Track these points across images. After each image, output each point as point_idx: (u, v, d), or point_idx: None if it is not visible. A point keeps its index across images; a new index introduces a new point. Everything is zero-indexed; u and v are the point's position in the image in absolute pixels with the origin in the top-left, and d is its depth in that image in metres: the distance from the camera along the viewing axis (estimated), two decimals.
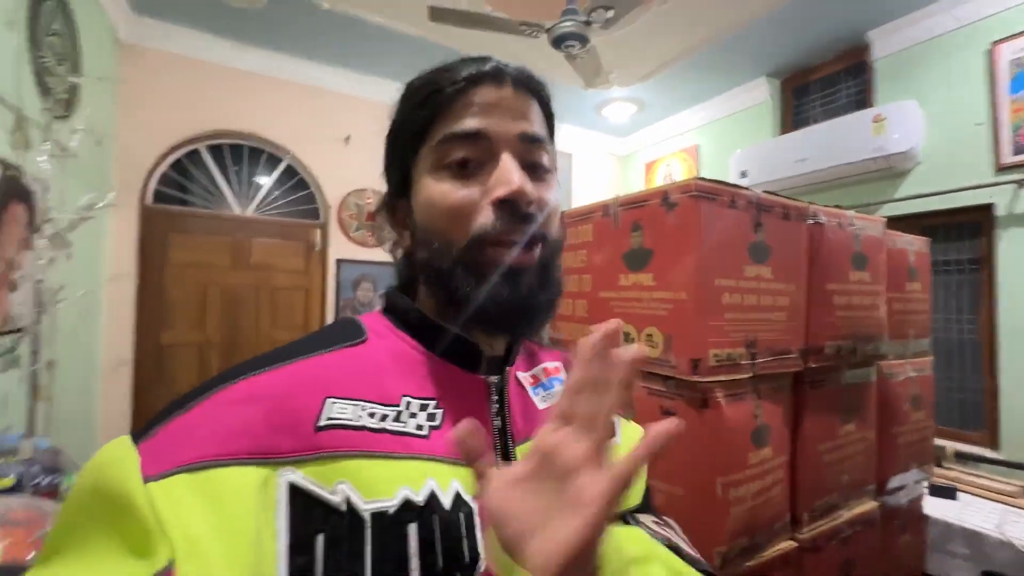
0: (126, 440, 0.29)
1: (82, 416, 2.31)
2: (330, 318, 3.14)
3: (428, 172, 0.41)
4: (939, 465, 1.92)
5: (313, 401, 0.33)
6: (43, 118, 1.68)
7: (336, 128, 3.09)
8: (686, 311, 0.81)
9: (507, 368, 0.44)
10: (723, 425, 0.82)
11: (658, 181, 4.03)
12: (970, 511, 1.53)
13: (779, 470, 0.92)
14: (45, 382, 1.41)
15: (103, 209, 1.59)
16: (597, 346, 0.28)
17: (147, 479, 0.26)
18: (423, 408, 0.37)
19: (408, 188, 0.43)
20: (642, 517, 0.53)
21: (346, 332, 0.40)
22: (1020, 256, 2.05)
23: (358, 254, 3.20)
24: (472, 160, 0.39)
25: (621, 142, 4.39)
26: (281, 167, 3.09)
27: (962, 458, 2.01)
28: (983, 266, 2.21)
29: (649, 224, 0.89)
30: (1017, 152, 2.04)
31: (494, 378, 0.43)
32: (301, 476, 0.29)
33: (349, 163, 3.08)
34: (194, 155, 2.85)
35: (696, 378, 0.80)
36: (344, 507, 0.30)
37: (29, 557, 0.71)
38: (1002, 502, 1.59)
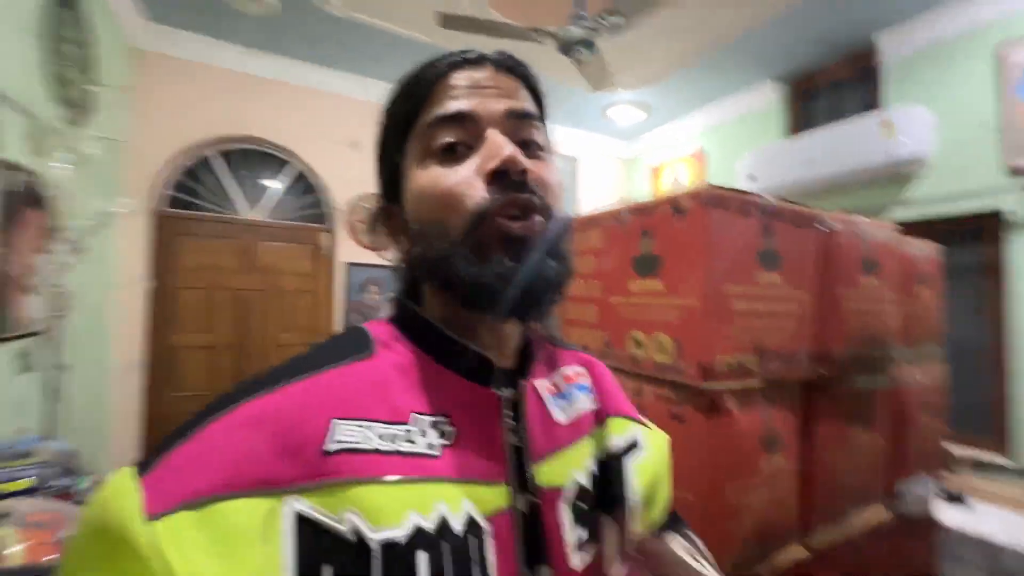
0: (129, 474, 0.28)
1: (93, 418, 2.34)
2: (338, 321, 3.16)
3: (415, 163, 0.39)
4: (951, 472, 1.91)
5: (319, 423, 0.31)
6: (59, 124, 1.71)
7: (344, 132, 3.12)
8: (696, 317, 0.81)
9: (523, 381, 0.42)
10: (733, 431, 0.82)
11: (665, 185, 4.02)
12: (982, 519, 1.52)
13: (790, 476, 0.92)
14: (59, 385, 1.43)
15: (122, 215, 1.62)
16: None
17: (150, 517, 0.25)
18: (433, 426, 0.35)
19: (399, 190, 0.42)
20: (668, 538, 0.52)
21: (353, 345, 0.39)
22: None
23: (366, 257, 3.22)
24: (460, 144, 0.38)
25: (627, 145, 4.40)
26: (290, 171, 3.12)
27: (973, 465, 1.99)
28: (994, 271, 2.19)
29: (659, 230, 0.89)
30: None
31: (507, 391, 0.40)
32: (308, 505, 0.28)
33: (357, 167, 3.10)
34: (204, 160, 2.89)
35: (706, 384, 0.80)
36: (352, 537, 0.29)
37: (48, 559, 0.72)
38: (1014, 510, 1.57)
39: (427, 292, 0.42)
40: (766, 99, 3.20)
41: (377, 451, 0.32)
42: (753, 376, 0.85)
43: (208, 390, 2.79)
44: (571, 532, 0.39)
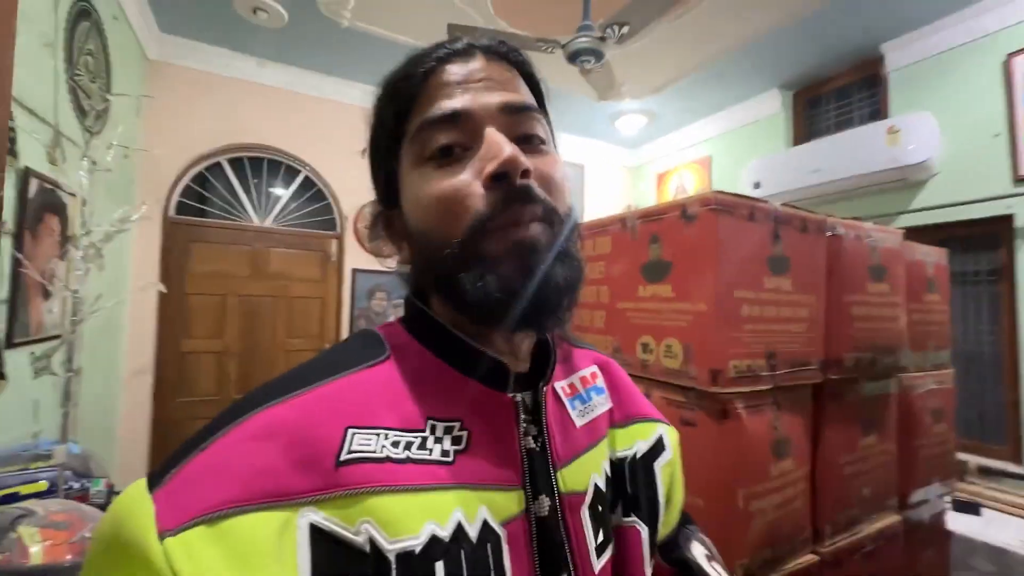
0: (142, 488, 0.27)
1: (104, 422, 2.37)
2: (345, 327, 3.18)
3: (411, 169, 0.38)
4: (962, 480, 1.89)
5: (334, 433, 0.31)
6: (77, 134, 1.75)
7: (353, 141, 3.11)
8: (706, 322, 0.82)
9: (542, 386, 0.41)
10: (743, 436, 0.82)
11: (670, 192, 4.04)
12: (994, 527, 1.51)
13: (800, 482, 0.92)
14: (73, 389, 1.46)
15: (136, 221, 1.65)
16: None
17: (163, 534, 0.24)
18: (448, 431, 0.35)
19: (397, 194, 0.40)
20: (687, 542, 0.52)
21: (367, 350, 0.38)
22: None
23: (373, 264, 3.19)
24: (456, 145, 0.36)
25: (633, 153, 4.42)
26: (299, 179, 3.16)
27: (985, 473, 1.97)
28: (1003, 277, 2.18)
29: (667, 236, 0.90)
30: None
31: (524, 395, 0.40)
32: (323, 516, 0.28)
33: (365, 175, 3.10)
34: (215, 168, 2.93)
35: (716, 389, 0.81)
36: (368, 548, 0.28)
37: (68, 558, 0.73)
38: None
39: (434, 297, 0.41)
40: (772, 107, 3.21)
41: (392, 460, 0.31)
42: (763, 381, 0.86)
43: (217, 396, 2.81)
44: (592, 536, 0.39)
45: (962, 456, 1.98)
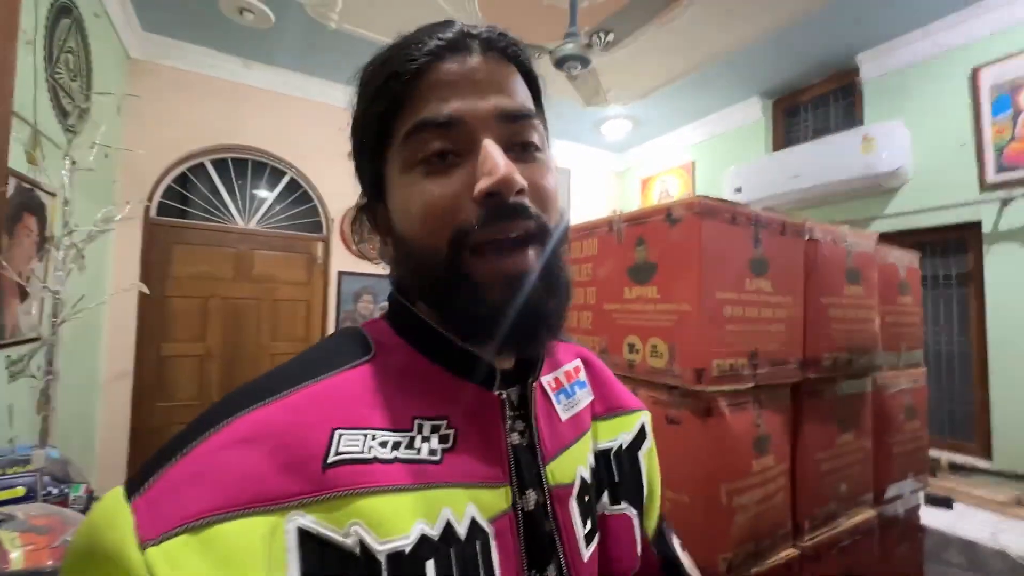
0: (119, 496, 0.26)
1: (82, 427, 2.30)
2: (331, 330, 3.14)
3: (400, 173, 0.36)
4: (934, 476, 1.95)
5: (320, 435, 0.30)
6: (57, 133, 1.72)
7: (339, 143, 3.07)
8: (690, 322, 0.85)
9: (531, 382, 0.41)
10: (726, 433, 0.85)
11: (654, 196, 4.10)
12: (965, 521, 1.56)
13: (780, 478, 0.95)
14: (52, 393, 1.42)
15: (119, 221, 1.62)
16: None
17: (144, 543, 0.23)
18: (435, 430, 0.35)
19: (383, 190, 0.39)
20: (671, 537, 0.54)
21: (352, 349, 0.37)
22: (1007, 271, 2.11)
23: (360, 267, 3.22)
24: (448, 152, 0.34)
25: (618, 158, 4.48)
26: (284, 181, 3.13)
27: (956, 469, 2.04)
28: (972, 281, 2.27)
29: (653, 239, 0.93)
30: (1000, 171, 2.12)
31: (510, 392, 0.40)
32: (311, 520, 0.27)
33: (351, 178, 3.10)
34: (198, 169, 2.89)
35: (700, 387, 0.83)
36: (358, 550, 0.28)
37: (49, 563, 0.72)
38: (996, 511, 1.62)
39: (420, 299, 0.40)
40: (753, 114, 3.29)
41: (380, 460, 0.31)
42: (745, 380, 0.88)
43: (198, 400, 2.76)
44: (580, 526, 0.40)
45: (934, 453, 2.05)
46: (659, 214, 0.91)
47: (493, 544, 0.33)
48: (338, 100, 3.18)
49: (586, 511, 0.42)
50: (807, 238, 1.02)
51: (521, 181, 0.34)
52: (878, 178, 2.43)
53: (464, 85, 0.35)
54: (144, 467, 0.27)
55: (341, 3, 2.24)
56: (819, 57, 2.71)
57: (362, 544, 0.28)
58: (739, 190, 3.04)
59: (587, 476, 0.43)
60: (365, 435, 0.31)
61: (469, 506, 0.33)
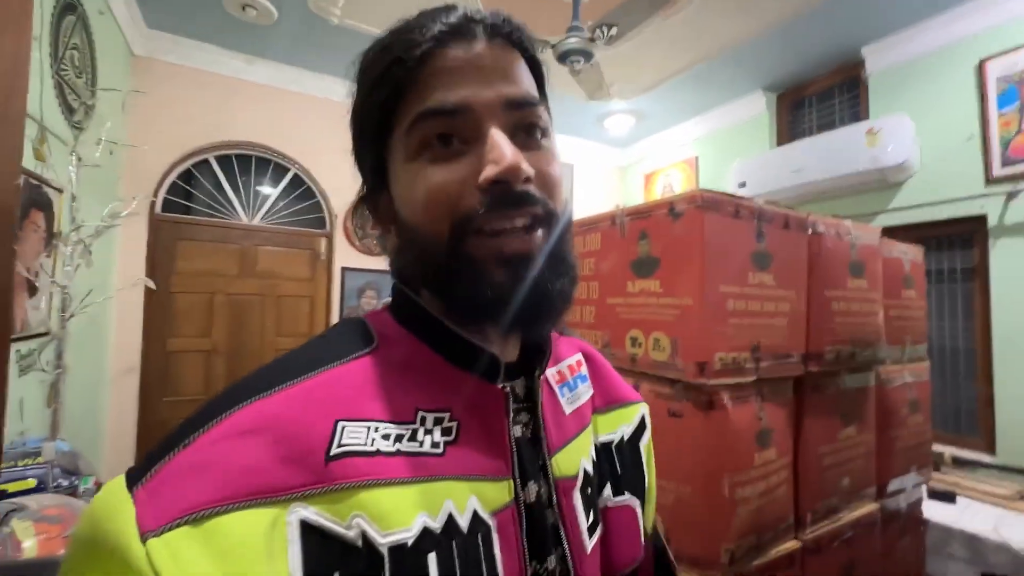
0: (121, 486, 0.26)
1: (90, 420, 2.33)
2: None
3: (404, 160, 0.36)
4: (937, 470, 1.95)
5: (323, 427, 0.30)
6: (63, 129, 1.73)
7: (342, 139, 3.07)
8: (692, 316, 0.85)
9: (538, 375, 0.41)
10: (729, 426, 0.85)
11: (657, 191, 4.08)
12: (968, 515, 1.56)
13: (783, 471, 0.96)
14: (60, 387, 1.44)
15: (124, 217, 1.63)
16: None
17: (145, 535, 0.23)
18: (438, 423, 0.34)
19: (386, 177, 0.39)
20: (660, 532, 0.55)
21: (355, 341, 0.37)
22: (1012, 265, 2.10)
23: (363, 263, 3.24)
24: (453, 137, 0.34)
25: (622, 153, 4.46)
26: (288, 177, 3.14)
27: (959, 463, 2.04)
28: (977, 275, 2.26)
29: (655, 233, 0.93)
30: (1006, 164, 2.10)
31: (513, 384, 0.40)
32: (313, 512, 0.27)
33: (354, 174, 3.12)
34: (203, 165, 2.90)
35: (702, 381, 0.83)
36: (360, 542, 0.28)
37: (62, 552, 0.73)
38: (999, 505, 1.62)
39: (424, 288, 0.39)
40: (757, 109, 3.27)
41: (383, 453, 0.31)
42: (747, 373, 0.89)
43: (204, 395, 2.78)
44: (584, 519, 0.41)
45: (938, 447, 2.05)
46: (662, 208, 0.91)
47: (495, 537, 0.33)
48: (340, 96, 3.15)
49: (589, 503, 0.42)
50: (810, 232, 1.02)
51: (528, 169, 0.34)
52: (883, 172, 2.41)
53: (469, 72, 0.34)
54: (145, 458, 0.27)
55: None
56: (824, 50, 2.69)
57: (364, 536, 0.28)
58: (743, 185, 3.03)
59: (590, 469, 0.44)
60: (368, 427, 0.31)
61: (471, 499, 0.33)
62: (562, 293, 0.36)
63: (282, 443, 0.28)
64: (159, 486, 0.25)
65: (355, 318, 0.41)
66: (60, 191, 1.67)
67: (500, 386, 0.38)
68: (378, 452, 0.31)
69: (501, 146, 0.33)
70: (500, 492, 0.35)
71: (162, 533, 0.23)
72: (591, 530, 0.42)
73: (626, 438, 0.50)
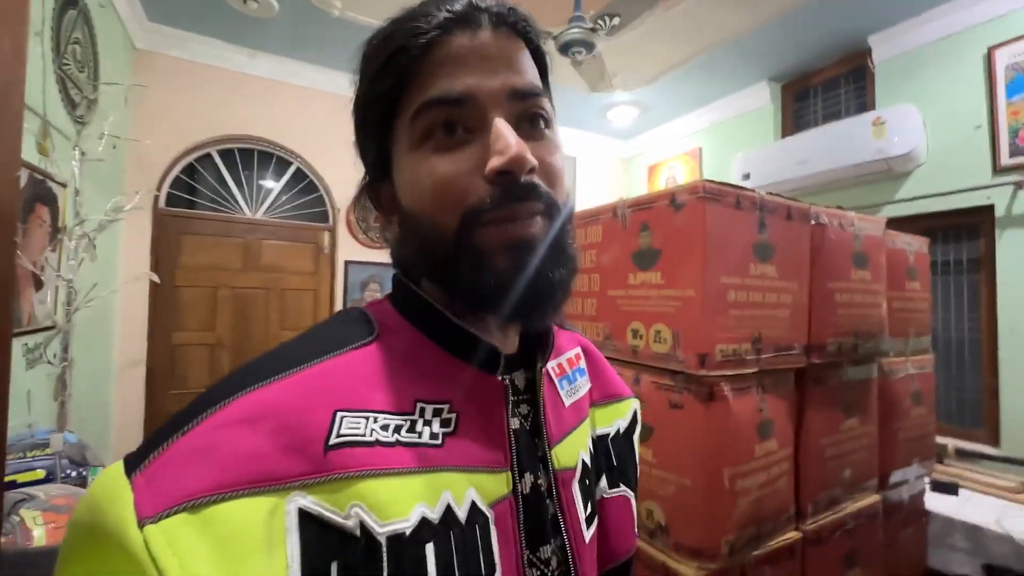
0: (118, 471, 0.26)
1: (98, 413, 2.36)
2: None
3: (408, 149, 0.36)
4: (940, 462, 1.95)
5: (323, 416, 0.30)
6: (67, 124, 1.73)
7: (345, 132, 3.08)
8: (693, 308, 0.85)
9: (540, 367, 0.42)
10: (729, 418, 0.85)
11: (661, 183, 4.06)
12: (970, 506, 1.56)
13: (784, 462, 0.96)
14: (68, 379, 1.46)
15: (127, 211, 1.64)
16: None
17: (143, 521, 0.23)
18: (437, 414, 0.34)
19: (388, 167, 0.39)
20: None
21: (355, 330, 0.37)
22: (1019, 256, 2.08)
23: (366, 256, 3.24)
24: (458, 126, 0.34)
25: (624, 145, 4.44)
26: (290, 171, 3.14)
27: (963, 455, 2.04)
28: (983, 266, 2.24)
29: (657, 225, 0.92)
30: (1015, 154, 2.07)
31: (514, 376, 0.41)
32: (312, 501, 0.27)
33: (357, 166, 3.12)
34: (205, 159, 2.91)
35: (703, 372, 0.83)
36: (359, 532, 0.28)
37: None
38: (1002, 497, 1.62)
39: (425, 278, 0.39)
40: (761, 99, 3.24)
41: (381, 443, 0.31)
42: (748, 364, 0.89)
43: None
44: (582, 510, 0.41)
45: (942, 439, 2.04)
46: (663, 199, 0.91)
47: (493, 529, 0.34)
48: (341, 88, 3.17)
49: (587, 494, 0.43)
50: (813, 223, 1.02)
51: (532, 160, 0.34)
52: (889, 163, 2.39)
53: (475, 61, 0.34)
54: (144, 445, 0.27)
55: None
56: (830, 39, 2.66)
57: (363, 526, 0.28)
58: (747, 176, 3.00)
59: (588, 461, 0.44)
60: (367, 418, 0.31)
61: (469, 490, 0.33)
62: (562, 283, 0.36)
63: (282, 432, 0.28)
64: (157, 472, 0.25)
65: (356, 308, 0.41)
66: (64, 186, 1.67)
67: (500, 378, 0.38)
68: (377, 442, 0.31)
69: (506, 136, 0.33)
70: (498, 484, 0.35)
71: (160, 520, 0.23)
72: (589, 521, 0.42)
73: (621, 431, 0.51)
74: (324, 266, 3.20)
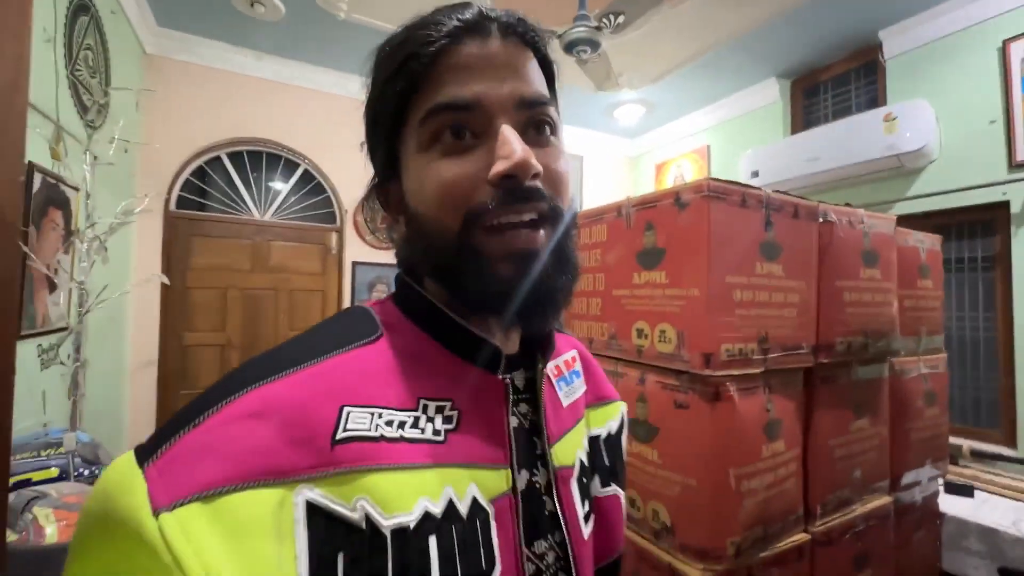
0: (131, 462, 0.26)
1: (111, 412, 2.40)
2: None
3: (416, 152, 0.37)
4: (955, 463, 1.92)
5: (329, 411, 0.31)
6: (78, 128, 1.76)
7: (352, 134, 3.14)
8: (698, 307, 0.84)
9: (542, 368, 0.43)
10: (735, 418, 0.84)
11: (668, 182, 4.04)
12: (986, 508, 1.53)
13: (792, 463, 0.94)
14: (81, 380, 1.49)
15: (139, 213, 1.67)
16: None
17: (157, 510, 0.24)
18: (439, 411, 0.35)
19: (397, 168, 0.40)
20: None
21: (360, 328, 0.38)
22: None
23: (374, 257, 3.26)
24: (466, 131, 0.35)
25: (632, 143, 4.41)
26: (298, 172, 3.17)
27: (979, 456, 2.00)
28: (998, 264, 2.19)
29: (662, 223, 0.92)
30: None
31: (515, 375, 0.42)
32: (319, 493, 0.28)
33: (365, 168, 3.14)
34: (215, 162, 2.94)
35: (708, 372, 0.83)
36: (364, 524, 0.29)
37: None
38: (1019, 499, 1.58)
39: (428, 278, 0.41)
40: (770, 96, 3.20)
41: (386, 438, 0.32)
42: (755, 364, 0.88)
43: None
44: (580, 507, 0.42)
45: (956, 440, 2.01)
46: (668, 198, 0.90)
47: (493, 524, 0.35)
48: (349, 91, 3.20)
49: (584, 493, 0.44)
50: (821, 220, 1.00)
51: (537, 165, 0.34)
52: (901, 159, 2.35)
53: (483, 69, 0.35)
54: (155, 436, 0.28)
55: None
56: (840, 34, 2.62)
57: (368, 519, 0.29)
58: (756, 174, 2.97)
59: (584, 460, 0.46)
60: (372, 413, 0.32)
61: (471, 486, 0.34)
62: (563, 290, 0.37)
63: (290, 426, 0.29)
64: (170, 464, 0.26)
65: (360, 307, 0.42)
66: (76, 189, 1.70)
67: (501, 377, 0.39)
68: (382, 438, 0.32)
69: (512, 142, 0.34)
70: (498, 480, 0.36)
71: (174, 509, 0.24)
72: (587, 518, 0.43)
73: (612, 433, 0.53)
74: (332, 267, 3.22)
